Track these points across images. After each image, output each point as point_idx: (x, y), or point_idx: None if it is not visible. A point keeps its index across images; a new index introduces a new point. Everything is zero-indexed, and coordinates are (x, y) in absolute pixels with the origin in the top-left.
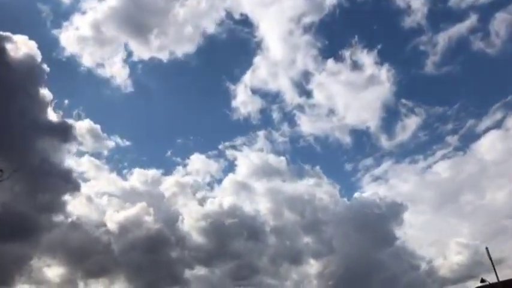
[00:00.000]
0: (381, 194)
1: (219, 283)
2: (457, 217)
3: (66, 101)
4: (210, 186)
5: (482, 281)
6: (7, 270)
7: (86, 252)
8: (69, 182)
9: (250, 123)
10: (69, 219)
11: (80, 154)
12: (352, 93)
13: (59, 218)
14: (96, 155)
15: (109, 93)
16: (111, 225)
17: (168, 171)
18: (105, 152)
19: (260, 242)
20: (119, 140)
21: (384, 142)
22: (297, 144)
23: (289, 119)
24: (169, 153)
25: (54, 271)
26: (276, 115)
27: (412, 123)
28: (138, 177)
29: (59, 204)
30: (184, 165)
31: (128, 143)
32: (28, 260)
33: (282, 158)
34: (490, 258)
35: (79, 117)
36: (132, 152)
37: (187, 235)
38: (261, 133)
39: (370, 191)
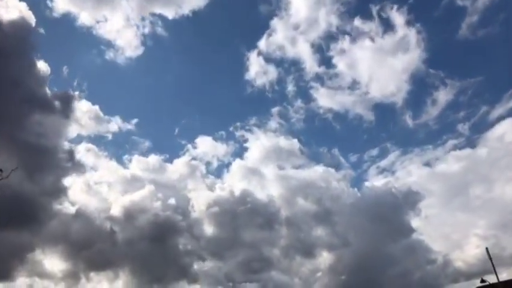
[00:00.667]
0: (398, 182)
1: (228, 277)
2: (469, 210)
3: (64, 69)
4: (219, 171)
5: (483, 281)
6: (7, 262)
7: (88, 242)
8: (72, 163)
9: (264, 97)
10: (71, 206)
11: (79, 140)
12: (379, 61)
13: (59, 203)
14: (97, 139)
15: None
16: (116, 212)
17: (174, 155)
18: (108, 136)
19: (272, 231)
20: (119, 122)
21: (409, 121)
22: (312, 123)
23: (305, 92)
24: (176, 132)
25: (55, 263)
26: (291, 88)
27: (442, 98)
28: (139, 164)
29: (59, 188)
30: (191, 148)
31: (129, 126)
32: (28, 251)
33: (295, 141)
34: (490, 258)
35: (80, 98)
36: (135, 135)
37: (195, 223)
38: (275, 110)
39: (393, 176)
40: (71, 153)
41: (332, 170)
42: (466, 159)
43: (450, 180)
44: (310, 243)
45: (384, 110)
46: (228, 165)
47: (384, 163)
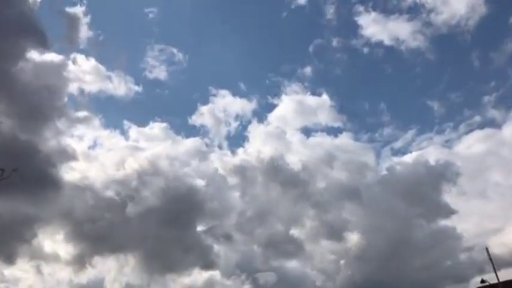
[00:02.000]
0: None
1: (252, 264)
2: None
3: None
4: (241, 135)
5: (483, 281)
6: (8, 245)
7: (95, 216)
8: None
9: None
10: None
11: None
12: None
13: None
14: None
15: None
16: (128, 180)
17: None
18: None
19: (296, 206)
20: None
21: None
22: (354, 59)
23: (348, 17)
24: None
25: (59, 245)
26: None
27: None
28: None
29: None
30: (211, 106)
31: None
32: (32, 229)
33: (325, 98)
34: (490, 259)
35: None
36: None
37: (213, 195)
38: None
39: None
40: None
41: (365, 137)
42: None
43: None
44: (335, 225)
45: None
46: (249, 128)
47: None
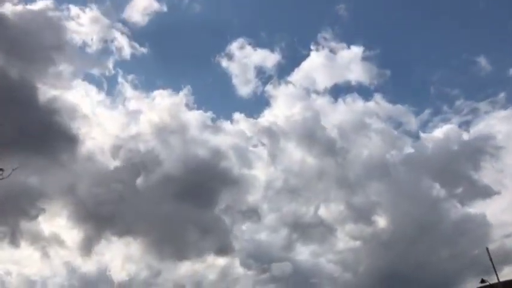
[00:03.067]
0: None
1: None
2: None
3: None
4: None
5: (483, 281)
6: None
7: (101, 190)
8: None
9: None
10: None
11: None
12: None
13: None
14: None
15: None
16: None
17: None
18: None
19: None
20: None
21: None
22: None
23: None
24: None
25: (62, 226)
26: None
27: None
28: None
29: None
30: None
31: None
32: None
33: (360, 49)
34: (490, 259)
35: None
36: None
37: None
38: None
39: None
40: None
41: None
42: None
43: None
44: (362, 208)
45: None
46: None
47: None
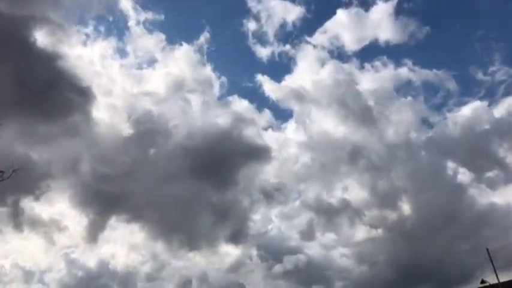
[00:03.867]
0: None
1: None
2: None
3: None
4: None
5: (483, 282)
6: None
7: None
8: None
9: None
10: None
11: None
12: None
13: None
14: None
15: None
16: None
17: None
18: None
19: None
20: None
21: None
22: None
23: None
24: None
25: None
26: None
27: None
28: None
29: None
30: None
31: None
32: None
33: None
34: (491, 259)
35: None
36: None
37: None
38: None
39: None
40: None
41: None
42: None
43: None
44: (387, 193)
45: None
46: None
47: None
